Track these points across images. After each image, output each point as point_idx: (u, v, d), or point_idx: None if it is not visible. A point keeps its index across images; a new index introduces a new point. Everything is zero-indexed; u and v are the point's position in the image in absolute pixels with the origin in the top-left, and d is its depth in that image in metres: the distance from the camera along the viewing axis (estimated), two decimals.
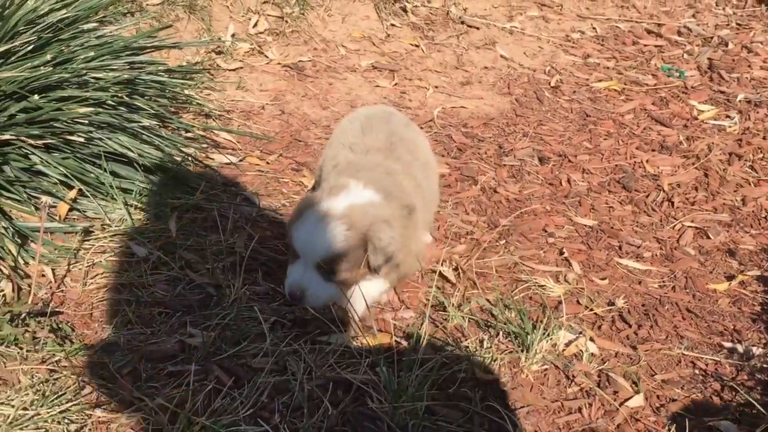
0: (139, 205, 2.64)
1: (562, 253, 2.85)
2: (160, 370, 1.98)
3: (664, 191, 3.33)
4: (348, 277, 2.12)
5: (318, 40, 4.31)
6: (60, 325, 2.03)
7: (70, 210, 2.52)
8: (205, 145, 3.16)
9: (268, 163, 3.26)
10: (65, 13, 2.64)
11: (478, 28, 4.80)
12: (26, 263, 2.25)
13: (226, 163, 3.13)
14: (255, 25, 4.23)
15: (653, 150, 3.68)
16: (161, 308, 2.23)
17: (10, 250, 2.24)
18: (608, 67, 4.55)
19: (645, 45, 4.88)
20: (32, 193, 2.45)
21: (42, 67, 2.44)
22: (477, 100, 4.05)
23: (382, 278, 2.21)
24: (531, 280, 2.62)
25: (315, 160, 3.26)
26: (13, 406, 1.73)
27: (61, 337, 1.98)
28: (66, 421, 1.75)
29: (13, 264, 2.19)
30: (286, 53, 4.12)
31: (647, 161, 3.56)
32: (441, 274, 2.58)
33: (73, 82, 2.52)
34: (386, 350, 2.12)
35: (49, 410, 1.75)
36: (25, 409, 1.74)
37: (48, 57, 2.47)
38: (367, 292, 2.20)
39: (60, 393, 1.83)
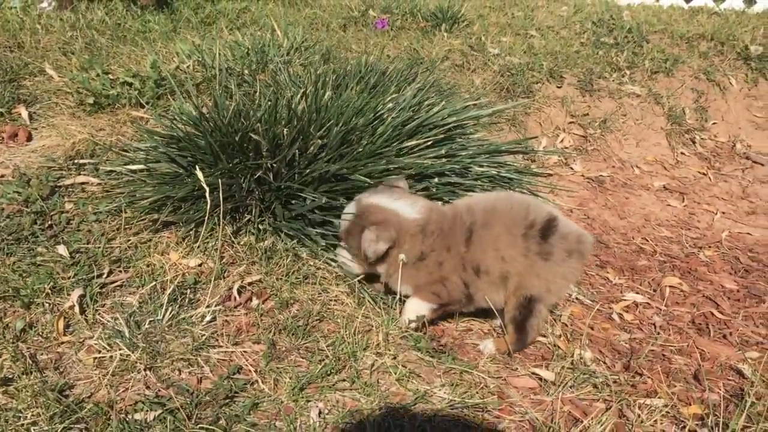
0: None
1: None
2: (523, 396, 2.58)
3: None
4: (357, 255, 2.67)
5: (615, 159, 4.91)
6: (449, 351, 2.72)
7: None
8: None
9: None
10: (454, 121, 3.46)
11: (762, 165, 5.18)
12: None
13: None
14: (562, 140, 4.92)
15: None
16: None
17: None
18: None
19: None
20: None
21: (439, 159, 3.23)
22: (763, 230, 4.41)
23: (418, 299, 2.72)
24: None
25: (616, 261, 3.82)
26: None
27: (453, 358, 2.65)
28: None
29: None
30: (588, 167, 4.76)
31: None
32: (738, 371, 2.99)
33: (457, 171, 3.29)
34: (700, 417, 2.57)
35: None
36: None
37: (442, 152, 3.27)
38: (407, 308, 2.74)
39: None
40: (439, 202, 2.92)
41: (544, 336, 3.02)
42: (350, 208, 2.69)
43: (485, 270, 2.67)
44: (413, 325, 2.72)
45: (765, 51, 6.11)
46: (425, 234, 2.63)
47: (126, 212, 2.97)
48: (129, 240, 2.85)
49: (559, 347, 2.97)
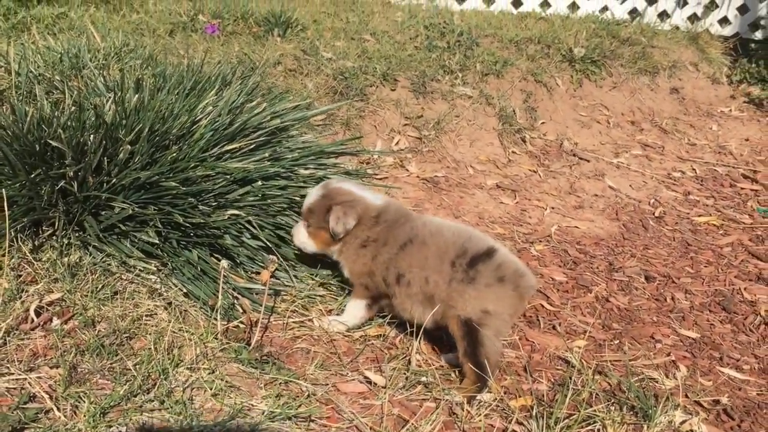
0: (322, 280, 3.23)
1: (668, 355, 3.27)
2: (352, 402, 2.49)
3: (761, 316, 3.69)
4: (315, 233, 2.93)
5: (450, 159, 4.96)
6: (275, 360, 2.59)
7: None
8: None
9: None
10: (278, 123, 3.35)
11: (588, 161, 5.40)
12: (243, 312, 2.82)
13: None
14: (397, 143, 4.91)
15: (750, 280, 4.08)
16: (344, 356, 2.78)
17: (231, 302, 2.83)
18: (707, 205, 5.05)
19: (741, 188, 5.36)
20: (239, 260, 3.06)
21: (262, 162, 3.10)
22: (589, 222, 4.58)
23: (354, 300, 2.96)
24: (644, 373, 3.05)
25: None
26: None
27: (278, 367, 2.52)
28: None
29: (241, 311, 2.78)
30: (423, 168, 4.77)
31: (745, 289, 3.96)
32: (566, 360, 3.05)
33: (283, 175, 3.18)
34: (528, 409, 2.58)
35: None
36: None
37: (266, 154, 3.14)
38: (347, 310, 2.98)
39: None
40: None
41: (376, 337, 2.95)
42: (317, 189, 2.94)
43: (406, 282, 2.78)
44: (350, 324, 2.96)
45: (587, 53, 6.40)
46: (378, 222, 2.87)
47: None
48: None
49: (395, 346, 2.92)
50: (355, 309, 2.94)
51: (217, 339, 2.52)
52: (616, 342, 3.34)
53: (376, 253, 2.85)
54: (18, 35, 4.99)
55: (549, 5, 7.71)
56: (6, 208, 2.44)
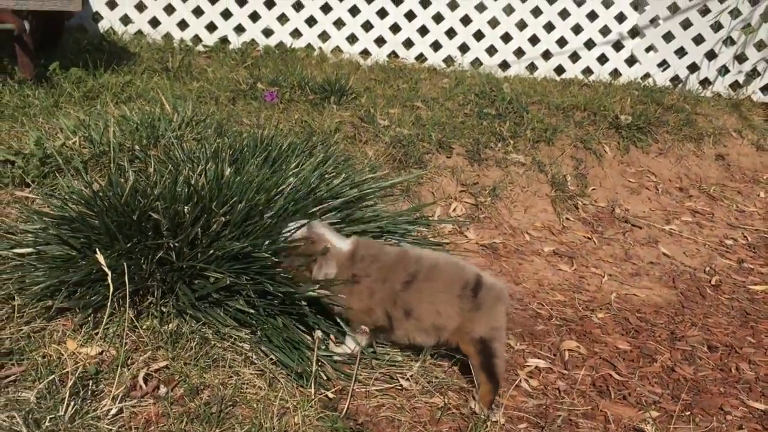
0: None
1: (741, 428, 3.30)
2: None
3: None
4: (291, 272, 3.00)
5: (506, 226, 5.06)
6: (365, 430, 2.67)
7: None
8: None
9: None
10: (355, 193, 3.49)
11: (640, 228, 5.47)
12: (327, 379, 2.90)
13: None
14: (454, 209, 5.03)
15: None
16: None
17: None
18: (762, 273, 5.08)
19: None
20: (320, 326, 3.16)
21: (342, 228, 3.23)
22: (647, 290, 4.63)
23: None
24: None
25: (515, 326, 3.89)
26: None
27: None
28: None
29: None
30: (481, 235, 4.87)
31: None
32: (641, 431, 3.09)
33: None
34: None
35: None
36: None
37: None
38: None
39: None
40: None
41: (456, 408, 3.02)
42: (302, 231, 3.02)
43: (417, 317, 3.00)
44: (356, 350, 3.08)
45: (633, 120, 6.51)
46: (354, 260, 3.00)
47: (16, 299, 2.78)
48: (21, 330, 2.66)
49: (475, 413, 2.98)
50: (351, 342, 3.11)
51: (312, 407, 2.60)
52: (687, 413, 3.37)
53: (374, 289, 3.00)
54: (90, 103, 5.21)
55: (591, 72, 7.86)
56: (126, 278, 2.56)
